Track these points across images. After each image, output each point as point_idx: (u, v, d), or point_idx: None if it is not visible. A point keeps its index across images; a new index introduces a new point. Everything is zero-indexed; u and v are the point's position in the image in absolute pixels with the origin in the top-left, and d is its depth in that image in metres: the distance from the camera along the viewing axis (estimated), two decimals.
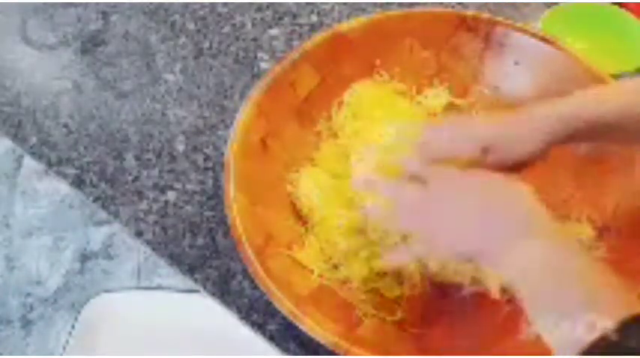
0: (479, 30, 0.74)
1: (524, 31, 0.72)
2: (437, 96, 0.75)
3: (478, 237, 0.49)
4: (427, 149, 0.59)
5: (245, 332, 0.65)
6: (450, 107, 0.75)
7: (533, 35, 0.72)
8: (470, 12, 0.74)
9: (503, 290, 0.63)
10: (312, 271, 0.64)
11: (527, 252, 0.46)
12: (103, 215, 0.73)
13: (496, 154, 0.57)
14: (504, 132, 0.59)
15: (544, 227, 0.48)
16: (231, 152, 0.65)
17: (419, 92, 0.76)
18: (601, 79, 0.68)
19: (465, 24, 0.74)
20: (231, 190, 0.63)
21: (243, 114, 0.67)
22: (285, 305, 0.57)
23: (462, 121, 0.65)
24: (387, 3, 0.87)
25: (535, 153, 0.58)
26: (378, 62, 0.75)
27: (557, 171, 0.69)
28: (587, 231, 0.65)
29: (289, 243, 0.65)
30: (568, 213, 0.67)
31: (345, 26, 0.73)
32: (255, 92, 0.68)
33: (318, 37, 0.73)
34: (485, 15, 0.74)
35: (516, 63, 0.73)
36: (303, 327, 0.56)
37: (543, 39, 0.72)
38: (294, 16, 0.88)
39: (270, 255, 0.62)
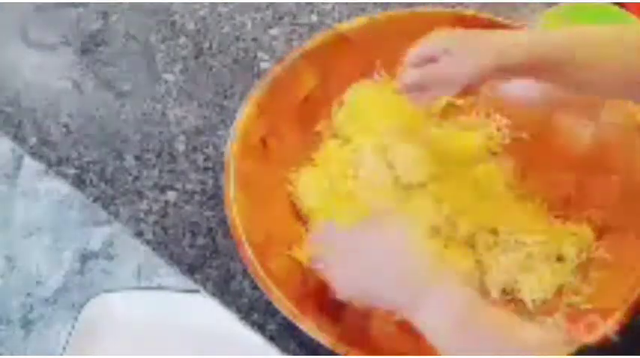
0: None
1: (525, 31, 0.72)
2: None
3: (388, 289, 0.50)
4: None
5: (245, 332, 0.65)
6: (450, 107, 0.75)
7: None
8: (470, 12, 0.74)
9: (504, 291, 0.64)
10: (312, 270, 0.64)
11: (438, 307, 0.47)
12: (103, 215, 0.73)
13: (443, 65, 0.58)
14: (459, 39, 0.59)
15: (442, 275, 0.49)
16: (231, 152, 0.65)
17: None
18: None
19: (466, 24, 0.74)
20: (231, 190, 0.63)
21: (243, 113, 0.67)
22: (285, 305, 0.57)
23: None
24: (387, 3, 0.87)
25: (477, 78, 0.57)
26: (378, 62, 0.75)
27: (557, 171, 0.69)
28: (587, 231, 0.65)
29: (289, 242, 0.65)
30: (568, 212, 0.67)
31: (345, 26, 0.73)
32: (256, 92, 0.68)
33: (319, 37, 0.73)
34: (486, 15, 0.74)
35: None
36: (303, 327, 0.56)
37: None
38: (294, 16, 0.88)
39: (270, 254, 0.62)
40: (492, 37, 0.59)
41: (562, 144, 0.70)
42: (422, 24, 0.74)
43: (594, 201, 0.66)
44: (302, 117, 0.72)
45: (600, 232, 0.65)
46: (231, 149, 0.65)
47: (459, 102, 0.75)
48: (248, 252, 0.59)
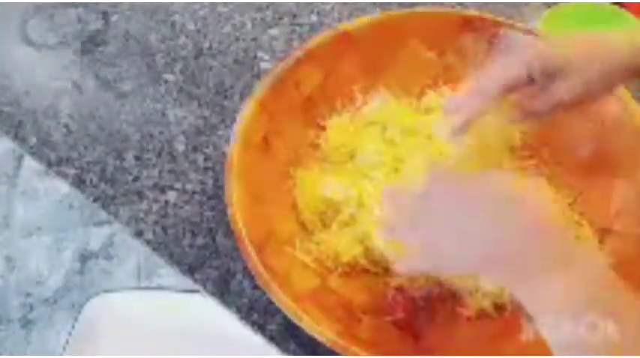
0: (484, 31, 0.74)
1: (529, 32, 0.72)
2: (441, 97, 0.75)
3: (508, 263, 0.42)
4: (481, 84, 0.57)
5: (245, 332, 0.65)
6: None
7: (538, 36, 0.72)
8: (475, 13, 0.75)
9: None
10: (312, 269, 0.64)
11: (563, 290, 0.40)
12: (103, 215, 0.73)
13: (553, 82, 0.54)
14: (569, 51, 0.54)
15: (578, 254, 0.42)
16: (233, 149, 0.65)
17: (423, 92, 0.76)
18: None
19: (470, 25, 0.74)
20: (232, 186, 0.63)
21: (246, 111, 0.67)
22: (283, 302, 0.57)
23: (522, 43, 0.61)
24: (387, 3, 0.87)
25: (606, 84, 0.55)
26: (381, 64, 0.75)
27: (561, 175, 0.69)
28: (590, 235, 0.65)
29: (290, 240, 0.65)
30: (571, 216, 0.67)
31: (349, 26, 0.73)
32: (258, 90, 0.68)
33: (323, 35, 0.73)
34: (490, 16, 0.74)
35: None
36: (301, 324, 0.56)
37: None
38: (294, 16, 0.88)
39: (270, 251, 0.62)
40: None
41: (565, 147, 0.70)
42: (426, 24, 0.75)
43: (597, 205, 0.66)
44: (305, 115, 0.73)
45: (602, 235, 0.65)
46: (233, 146, 0.65)
47: None
48: (248, 247, 0.59)
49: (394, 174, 0.68)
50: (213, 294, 0.66)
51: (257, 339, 0.64)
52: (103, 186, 0.74)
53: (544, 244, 0.42)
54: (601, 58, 0.55)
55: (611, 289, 0.41)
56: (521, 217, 0.42)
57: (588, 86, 0.55)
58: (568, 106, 0.58)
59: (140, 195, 0.73)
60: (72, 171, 0.75)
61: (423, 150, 0.69)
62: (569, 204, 0.67)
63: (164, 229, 0.70)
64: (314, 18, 0.88)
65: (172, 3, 0.90)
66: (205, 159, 0.75)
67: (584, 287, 0.41)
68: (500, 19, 0.74)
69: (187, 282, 0.68)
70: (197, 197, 0.73)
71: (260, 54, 0.84)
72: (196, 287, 0.67)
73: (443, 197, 0.46)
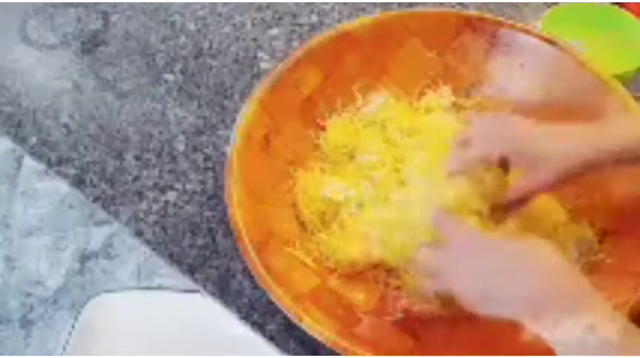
0: (484, 31, 0.74)
1: (529, 32, 0.72)
2: (441, 97, 0.75)
3: (531, 301, 0.48)
4: (464, 151, 0.61)
5: (245, 332, 0.65)
6: (454, 107, 0.75)
7: (538, 36, 0.72)
8: (475, 13, 0.75)
9: None
10: (312, 269, 0.64)
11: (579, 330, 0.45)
12: (103, 215, 0.73)
13: (528, 163, 0.57)
14: (546, 137, 0.57)
15: (592, 304, 0.47)
16: (233, 148, 0.65)
17: (423, 92, 0.76)
18: (606, 81, 0.68)
19: (470, 25, 0.74)
20: (232, 186, 0.63)
21: (247, 111, 0.67)
22: (283, 302, 0.57)
23: (500, 119, 0.64)
24: (387, 3, 0.87)
25: (569, 173, 0.56)
26: (381, 64, 0.75)
27: None
28: (589, 235, 0.65)
29: (290, 240, 0.65)
30: (570, 216, 0.67)
31: (349, 26, 0.73)
32: (259, 90, 0.69)
33: (323, 35, 0.73)
34: (490, 16, 0.74)
35: (521, 64, 0.73)
36: (301, 324, 0.56)
37: (548, 40, 0.72)
38: (294, 16, 0.88)
39: (270, 251, 0.62)
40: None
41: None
42: (426, 24, 0.75)
43: (596, 205, 0.66)
44: (305, 115, 0.73)
45: (602, 236, 0.65)
46: (233, 145, 0.65)
47: (463, 102, 0.75)
48: (248, 247, 0.59)
49: (394, 174, 0.68)
50: (213, 294, 0.66)
51: (257, 339, 0.64)
52: (103, 186, 0.74)
53: (561, 289, 0.48)
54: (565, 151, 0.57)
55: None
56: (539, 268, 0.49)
57: (561, 175, 0.57)
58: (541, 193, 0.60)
59: (140, 195, 0.73)
60: (72, 171, 0.75)
61: (423, 150, 0.69)
62: (569, 211, 0.67)
63: (164, 229, 0.70)
64: (314, 18, 0.88)
65: (172, 3, 0.90)
66: (205, 159, 0.75)
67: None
68: (500, 19, 0.74)
69: (187, 282, 0.68)
70: (197, 197, 0.73)
71: (260, 54, 0.84)
72: (196, 287, 0.67)
73: (466, 252, 0.53)
